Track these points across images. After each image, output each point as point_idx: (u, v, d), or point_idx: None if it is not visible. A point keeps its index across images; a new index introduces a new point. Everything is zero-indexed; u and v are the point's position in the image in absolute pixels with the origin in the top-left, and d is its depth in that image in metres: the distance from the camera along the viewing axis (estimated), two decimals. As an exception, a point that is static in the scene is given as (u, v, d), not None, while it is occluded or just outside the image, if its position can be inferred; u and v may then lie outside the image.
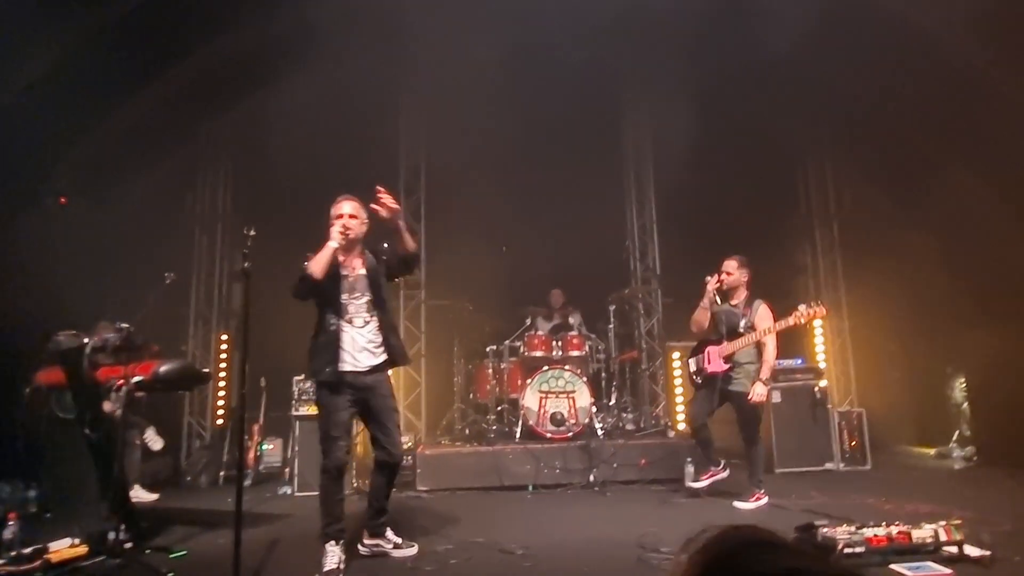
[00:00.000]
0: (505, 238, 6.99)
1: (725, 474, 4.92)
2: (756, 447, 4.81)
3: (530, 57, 6.66)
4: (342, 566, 3.31)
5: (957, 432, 6.70)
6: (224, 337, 7.43)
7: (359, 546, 3.63)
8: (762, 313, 4.80)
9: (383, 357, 3.63)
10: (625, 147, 8.19)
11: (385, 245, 3.74)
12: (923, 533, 3.12)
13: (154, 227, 6.62)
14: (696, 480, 5.04)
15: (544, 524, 4.34)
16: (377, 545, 3.63)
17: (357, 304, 3.59)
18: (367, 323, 3.59)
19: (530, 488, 5.40)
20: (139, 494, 5.30)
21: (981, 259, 5.09)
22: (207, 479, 6.34)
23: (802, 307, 4.66)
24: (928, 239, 6.30)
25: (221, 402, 7.22)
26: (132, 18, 5.40)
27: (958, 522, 3.20)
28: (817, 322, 7.65)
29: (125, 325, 3.61)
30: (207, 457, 6.54)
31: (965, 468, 6.20)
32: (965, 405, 6.69)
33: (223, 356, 7.37)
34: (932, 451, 6.93)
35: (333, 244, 3.45)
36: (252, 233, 3.04)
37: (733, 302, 4.94)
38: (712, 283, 4.87)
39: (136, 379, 3.52)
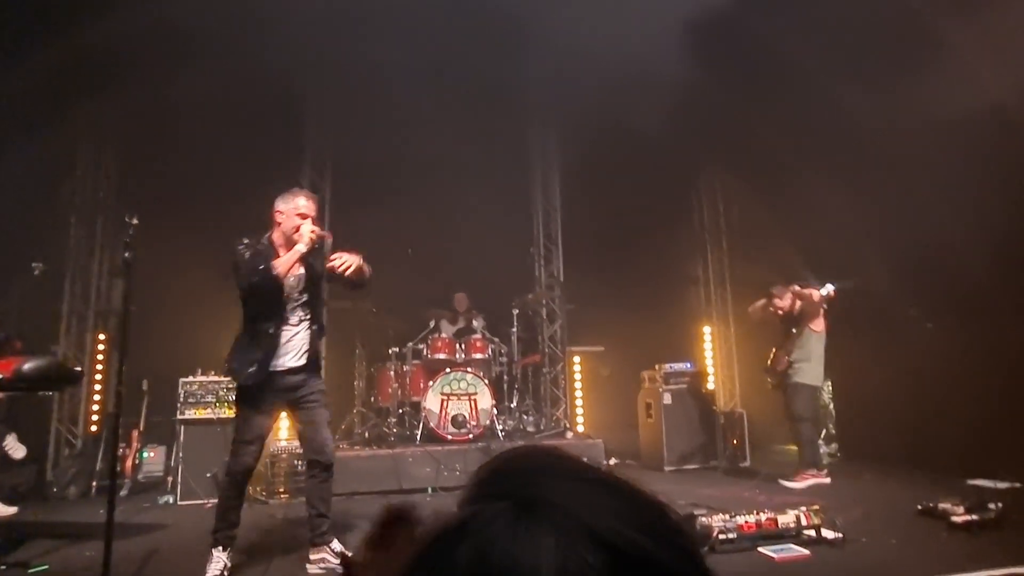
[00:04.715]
0: (411, 241, 6.95)
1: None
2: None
3: (439, 65, 6.70)
4: (226, 573, 3.17)
5: (824, 431, 7.35)
6: (101, 337, 6.87)
7: (307, 564, 3.39)
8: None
9: (309, 358, 3.49)
10: (532, 156, 8.38)
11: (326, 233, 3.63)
12: (787, 519, 3.44)
13: (23, 215, 6.04)
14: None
15: (442, 525, 4.34)
16: (323, 560, 3.37)
17: (295, 303, 3.47)
18: (301, 321, 3.47)
19: (430, 490, 5.39)
20: (-6, 508, 4.81)
21: (843, 274, 5.71)
22: (77, 490, 5.81)
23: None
24: (800, 252, 6.90)
25: (96, 407, 6.66)
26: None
27: (816, 508, 3.55)
28: (706, 328, 8.19)
29: (-18, 319, 3.28)
30: (77, 466, 6.00)
31: (830, 463, 6.81)
32: (831, 406, 7.36)
33: (99, 357, 6.82)
34: (803, 449, 7.56)
35: (302, 248, 3.34)
36: (135, 222, 2.87)
37: None
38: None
39: (-6, 378, 3.21)
